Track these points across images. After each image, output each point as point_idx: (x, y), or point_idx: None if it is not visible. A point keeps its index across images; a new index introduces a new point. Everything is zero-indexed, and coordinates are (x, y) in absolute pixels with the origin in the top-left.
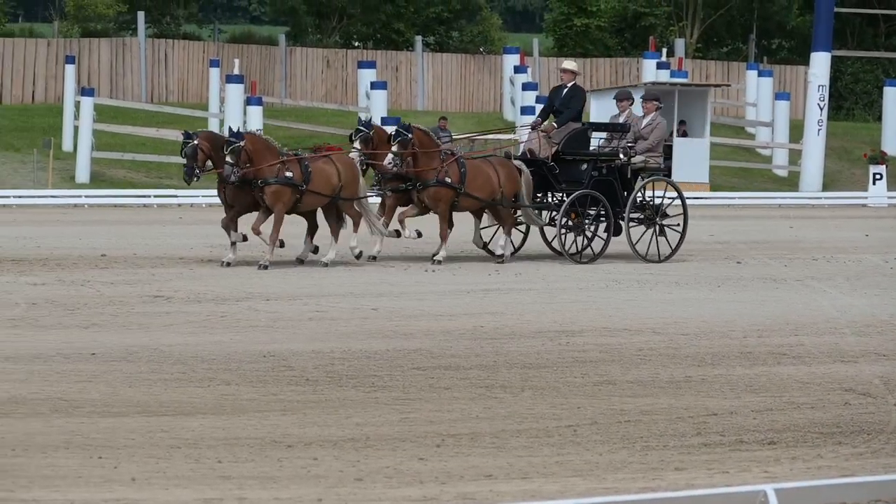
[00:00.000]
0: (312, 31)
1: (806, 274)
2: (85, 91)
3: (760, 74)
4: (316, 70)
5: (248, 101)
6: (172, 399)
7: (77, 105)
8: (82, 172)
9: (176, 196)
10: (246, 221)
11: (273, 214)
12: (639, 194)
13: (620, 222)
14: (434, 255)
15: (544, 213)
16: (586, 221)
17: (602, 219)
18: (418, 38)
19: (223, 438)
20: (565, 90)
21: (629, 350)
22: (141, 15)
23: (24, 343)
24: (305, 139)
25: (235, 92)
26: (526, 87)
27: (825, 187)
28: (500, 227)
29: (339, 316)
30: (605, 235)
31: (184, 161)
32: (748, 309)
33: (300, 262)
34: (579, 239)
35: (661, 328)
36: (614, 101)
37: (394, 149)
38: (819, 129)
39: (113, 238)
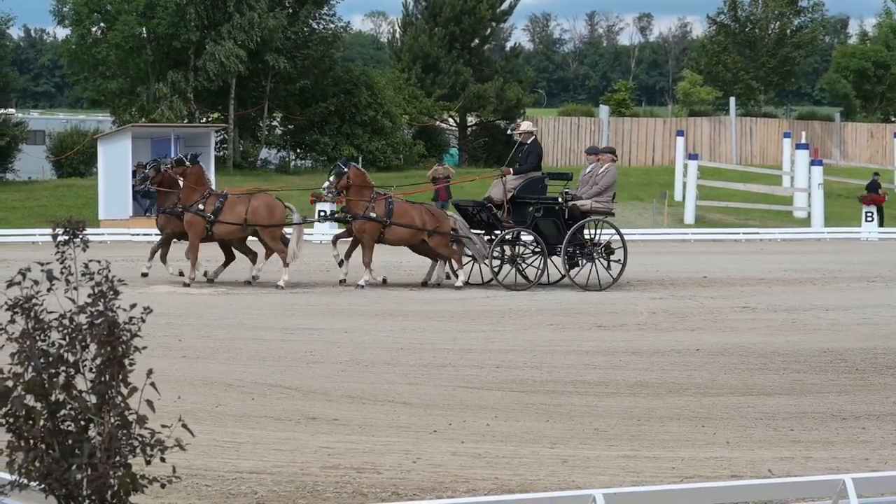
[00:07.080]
0: (860, 111)
1: None
2: (691, 156)
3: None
4: (862, 139)
5: (812, 163)
6: (756, 383)
7: (685, 167)
8: (689, 216)
9: (757, 233)
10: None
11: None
12: (584, 232)
13: (558, 256)
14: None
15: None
16: (522, 254)
17: (537, 253)
18: None
19: (793, 413)
20: (525, 146)
21: None
22: (732, 100)
23: (646, 342)
24: (855, 190)
25: (802, 156)
26: None
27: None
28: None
29: (881, 322)
30: (538, 266)
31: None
32: None
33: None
34: (512, 269)
35: None
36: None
37: (330, 179)
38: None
39: (711, 264)
